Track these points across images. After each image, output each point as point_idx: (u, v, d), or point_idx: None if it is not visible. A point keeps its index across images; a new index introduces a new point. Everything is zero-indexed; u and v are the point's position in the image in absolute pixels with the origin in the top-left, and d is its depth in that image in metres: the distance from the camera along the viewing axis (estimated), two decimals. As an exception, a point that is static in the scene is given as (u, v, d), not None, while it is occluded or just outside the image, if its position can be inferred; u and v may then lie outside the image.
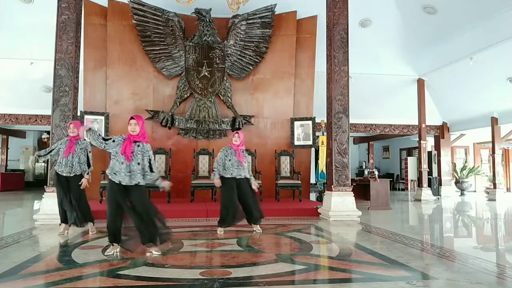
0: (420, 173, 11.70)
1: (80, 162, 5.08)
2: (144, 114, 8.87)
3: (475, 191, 14.44)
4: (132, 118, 3.98)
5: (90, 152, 5.21)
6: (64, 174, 5.05)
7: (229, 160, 5.27)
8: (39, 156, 5.22)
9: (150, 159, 3.98)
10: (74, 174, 5.05)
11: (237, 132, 5.50)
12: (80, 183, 5.09)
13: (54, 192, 5.98)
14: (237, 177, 5.26)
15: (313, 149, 10.03)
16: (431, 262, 3.82)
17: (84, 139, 4.99)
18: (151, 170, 3.97)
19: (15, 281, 3.06)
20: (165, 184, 4.21)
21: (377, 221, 6.71)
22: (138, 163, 3.89)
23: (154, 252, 3.92)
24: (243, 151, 5.43)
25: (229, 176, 5.25)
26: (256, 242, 4.87)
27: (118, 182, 3.84)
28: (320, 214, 7.02)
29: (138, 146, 3.93)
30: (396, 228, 6.04)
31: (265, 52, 9.34)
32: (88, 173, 5.15)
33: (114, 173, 3.85)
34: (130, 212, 3.89)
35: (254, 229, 5.42)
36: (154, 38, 8.92)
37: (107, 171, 3.91)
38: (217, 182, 5.32)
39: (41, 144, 16.64)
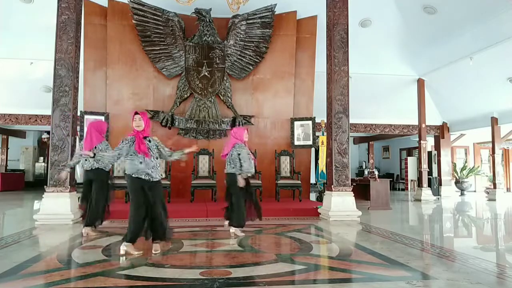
0: (420, 173, 11.70)
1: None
2: (144, 114, 8.89)
3: (475, 191, 14.43)
4: (136, 113, 4.01)
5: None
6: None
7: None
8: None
9: (163, 147, 4.18)
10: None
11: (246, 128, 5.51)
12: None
13: (54, 192, 6.02)
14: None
15: (313, 149, 10.02)
16: (431, 262, 3.82)
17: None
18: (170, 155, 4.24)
19: (15, 281, 3.06)
20: (187, 151, 4.40)
21: (377, 221, 6.71)
22: (157, 158, 4.02)
23: (154, 251, 3.98)
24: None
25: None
26: (256, 242, 4.87)
27: (148, 179, 3.89)
28: (320, 214, 7.02)
29: (149, 141, 4.01)
30: (396, 228, 6.04)
31: (265, 52, 9.34)
32: None
33: (137, 172, 3.89)
34: (150, 208, 3.92)
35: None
36: (154, 38, 8.92)
37: (128, 172, 3.92)
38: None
39: (41, 144, 16.62)
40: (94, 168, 4.94)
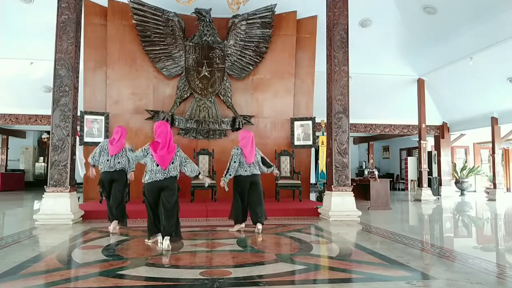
0: (420, 173, 11.70)
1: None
2: (144, 114, 8.90)
3: (475, 191, 14.43)
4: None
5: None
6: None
7: None
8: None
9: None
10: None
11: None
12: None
13: (54, 192, 6.02)
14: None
15: (313, 149, 10.02)
16: (431, 262, 3.82)
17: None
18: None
19: (15, 281, 3.05)
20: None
21: (377, 221, 6.71)
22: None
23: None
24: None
25: None
26: (256, 242, 4.87)
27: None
28: (320, 214, 7.02)
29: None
30: (396, 228, 6.04)
31: (265, 52, 9.34)
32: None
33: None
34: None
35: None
36: (154, 38, 8.92)
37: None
38: None
39: (41, 144, 16.62)
40: (117, 169, 5.42)
